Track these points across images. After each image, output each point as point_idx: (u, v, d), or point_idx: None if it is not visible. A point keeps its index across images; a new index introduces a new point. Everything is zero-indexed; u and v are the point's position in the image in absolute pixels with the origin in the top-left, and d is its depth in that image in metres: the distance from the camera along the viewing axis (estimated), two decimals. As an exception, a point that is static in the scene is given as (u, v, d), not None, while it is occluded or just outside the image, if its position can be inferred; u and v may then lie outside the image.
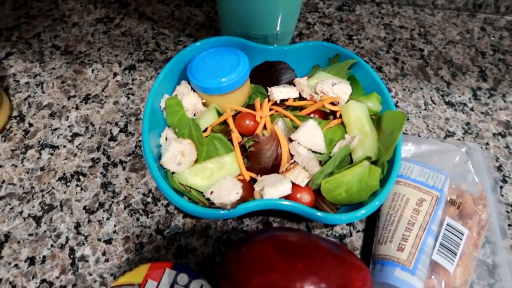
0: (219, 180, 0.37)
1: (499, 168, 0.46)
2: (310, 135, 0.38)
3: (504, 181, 0.45)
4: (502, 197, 0.44)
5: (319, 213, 0.34)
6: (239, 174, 0.39)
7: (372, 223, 0.40)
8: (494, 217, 0.41)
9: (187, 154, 0.38)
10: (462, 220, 0.36)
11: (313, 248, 0.30)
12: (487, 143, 0.48)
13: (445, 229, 0.35)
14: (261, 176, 0.38)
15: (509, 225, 0.42)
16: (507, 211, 0.43)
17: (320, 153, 0.39)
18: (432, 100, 0.51)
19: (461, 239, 0.34)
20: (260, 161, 0.38)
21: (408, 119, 0.49)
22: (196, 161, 0.39)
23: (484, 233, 0.36)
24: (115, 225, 0.39)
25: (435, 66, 0.54)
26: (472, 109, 0.51)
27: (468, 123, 0.49)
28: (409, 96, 0.51)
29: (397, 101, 0.50)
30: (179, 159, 0.37)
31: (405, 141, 0.42)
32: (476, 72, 0.54)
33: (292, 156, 0.39)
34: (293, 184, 0.37)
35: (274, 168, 0.39)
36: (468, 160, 0.39)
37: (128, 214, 0.40)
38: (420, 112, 0.50)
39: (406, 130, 0.47)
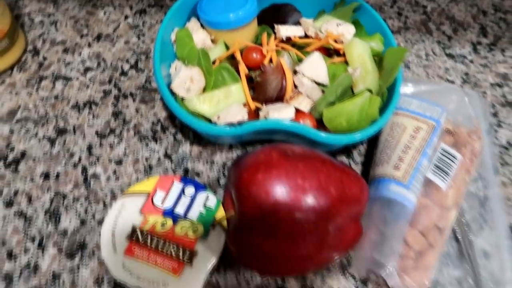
0: (226, 107, 0.39)
1: (494, 115, 0.48)
2: (315, 67, 0.40)
3: (499, 126, 0.47)
4: (496, 140, 0.46)
5: (322, 134, 0.35)
6: (245, 104, 0.41)
7: (371, 156, 0.42)
8: (487, 156, 0.43)
9: (196, 81, 0.39)
10: (456, 147, 0.37)
11: (314, 155, 0.32)
12: (485, 92, 0.49)
13: (440, 152, 0.36)
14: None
15: (501, 164, 0.44)
16: (500, 152, 0.45)
17: (323, 85, 0.40)
18: (433, 52, 0.53)
19: (454, 162, 0.36)
20: (265, 91, 0.40)
21: (409, 68, 0.51)
22: (204, 90, 0.41)
23: (476, 161, 0.38)
24: (125, 149, 0.41)
25: (437, 22, 0.56)
26: (471, 61, 0.52)
27: (467, 74, 0.51)
28: (411, 47, 0.53)
29: (399, 51, 0.52)
30: (188, 85, 0.39)
31: (405, 82, 0.44)
32: (477, 28, 0.56)
33: (296, 87, 0.40)
34: (297, 111, 0.38)
35: (279, 99, 0.40)
36: (465, 97, 0.41)
37: (138, 140, 0.42)
38: (421, 62, 0.51)
39: (407, 78, 0.49)
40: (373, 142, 0.43)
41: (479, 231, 0.39)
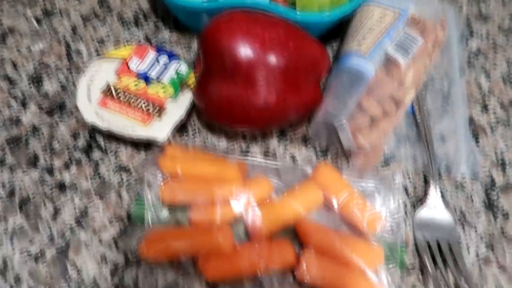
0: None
1: (468, 26, 0.49)
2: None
3: (471, 36, 0.48)
4: (467, 46, 0.47)
5: (296, 12, 0.37)
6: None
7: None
8: (455, 59, 0.45)
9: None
10: (420, 33, 0.39)
11: (277, 16, 0.34)
12: (461, 7, 0.51)
13: (402, 35, 0.38)
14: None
15: (469, 67, 0.46)
16: (469, 57, 0.46)
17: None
18: (414, -31, 0.54)
19: (415, 44, 0.38)
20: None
21: (388, -19, 0.52)
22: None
23: (438, 49, 0.40)
24: (108, 31, 0.43)
25: None
26: (451, -21, 0.53)
27: (445, -10, 0.52)
28: (393, -36, 0.54)
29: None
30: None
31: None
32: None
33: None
34: (271, -4, 0.40)
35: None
36: (435, -4, 0.42)
37: (120, 25, 0.44)
38: (401, -23, 0.53)
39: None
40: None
41: (439, 119, 0.41)
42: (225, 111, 0.33)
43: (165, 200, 0.31)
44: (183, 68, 0.38)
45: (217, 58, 0.31)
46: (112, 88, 0.36)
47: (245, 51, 0.31)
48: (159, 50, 0.38)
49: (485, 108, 0.42)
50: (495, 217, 0.36)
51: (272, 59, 0.32)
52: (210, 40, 0.31)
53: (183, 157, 0.33)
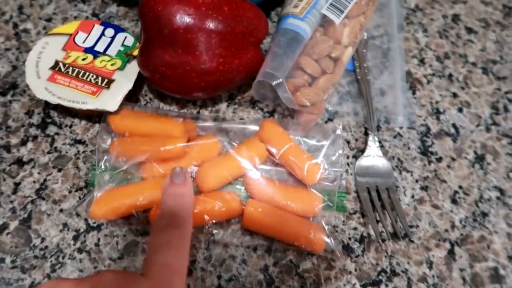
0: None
1: (408, -16, 0.51)
2: None
3: (411, -7, 0.50)
4: (405, 3, 0.49)
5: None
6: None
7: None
8: (394, 16, 0.48)
9: None
10: (355, -7, 0.41)
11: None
12: (401, -35, 0.53)
13: (337, -5, 0.40)
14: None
15: (407, 23, 0.48)
16: (408, 14, 0.49)
17: None
18: None
19: (349, 3, 0.40)
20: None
21: None
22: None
23: (373, 7, 0.42)
24: (55, 9, 0.44)
25: None
26: None
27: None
28: None
29: None
30: None
31: None
32: None
33: None
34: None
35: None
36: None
37: (67, 2, 0.44)
38: None
39: None
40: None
41: (379, 74, 0.44)
42: (168, 78, 0.34)
43: (117, 157, 0.33)
44: (130, 40, 0.39)
45: (155, 26, 0.33)
46: (60, 63, 0.37)
47: (180, 17, 0.32)
48: (105, 24, 0.39)
49: (421, 61, 0.45)
50: (429, 162, 0.39)
51: (208, 23, 0.33)
52: (147, 8, 0.33)
53: (133, 117, 0.35)
